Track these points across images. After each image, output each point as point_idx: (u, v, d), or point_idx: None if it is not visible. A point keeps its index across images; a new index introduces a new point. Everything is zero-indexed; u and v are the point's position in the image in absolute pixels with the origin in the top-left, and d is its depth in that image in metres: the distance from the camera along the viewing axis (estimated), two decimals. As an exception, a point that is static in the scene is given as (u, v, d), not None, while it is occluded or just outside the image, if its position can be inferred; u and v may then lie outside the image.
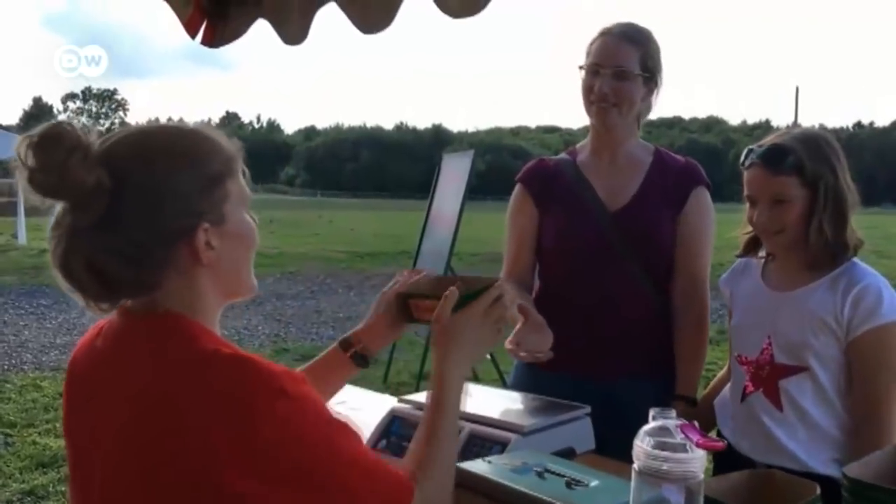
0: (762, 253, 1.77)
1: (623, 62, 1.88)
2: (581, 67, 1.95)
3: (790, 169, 1.58)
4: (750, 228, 1.73)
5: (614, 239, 1.90)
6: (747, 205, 1.68)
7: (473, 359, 1.23)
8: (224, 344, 0.98)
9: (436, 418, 1.14)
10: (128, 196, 0.96)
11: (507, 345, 1.74)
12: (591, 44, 1.94)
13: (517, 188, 2.09)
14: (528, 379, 1.95)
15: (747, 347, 1.73)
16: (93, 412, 1.02)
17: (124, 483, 0.95)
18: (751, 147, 1.67)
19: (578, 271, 1.91)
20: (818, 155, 1.59)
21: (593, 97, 1.91)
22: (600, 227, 1.91)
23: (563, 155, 2.11)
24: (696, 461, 0.94)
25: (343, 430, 0.98)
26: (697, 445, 0.93)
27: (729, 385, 1.82)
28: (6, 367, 6.09)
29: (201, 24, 2.46)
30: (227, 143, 1.07)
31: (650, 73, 1.92)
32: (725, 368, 1.94)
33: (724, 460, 1.69)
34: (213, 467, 0.89)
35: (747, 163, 1.65)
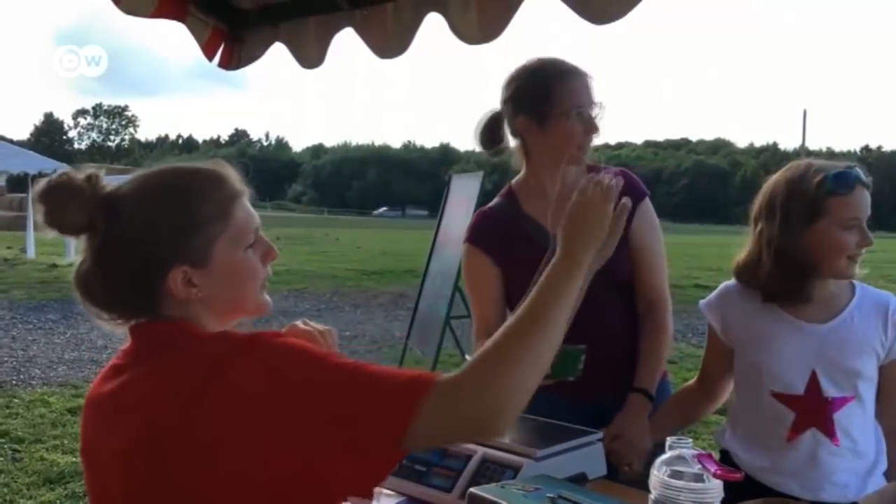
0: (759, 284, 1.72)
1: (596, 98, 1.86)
2: (570, 114, 1.82)
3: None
4: (753, 253, 1.70)
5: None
6: (839, 230, 1.59)
7: (598, 240, 1.23)
8: None
9: (534, 305, 1.07)
10: (115, 236, 1.07)
11: None
12: (562, 84, 1.84)
13: (469, 249, 2.01)
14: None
15: (787, 384, 1.66)
16: (106, 425, 1.08)
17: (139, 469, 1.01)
18: (841, 170, 1.59)
19: None
20: None
21: (577, 150, 1.85)
22: None
23: (498, 199, 2.04)
24: (713, 491, 0.94)
25: (331, 355, 1.03)
26: (715, 476, 0.93)
27: (754, 427, 1.73)
28: (14, 382, 6.09)
29: (219, 47, 2.50)
30: (229, 182, 1.13)
31: None
32: (694, 382, 1.93)
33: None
34: (210, 420, 0.96)
35: (851, 184, 1.58)
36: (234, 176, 1.14)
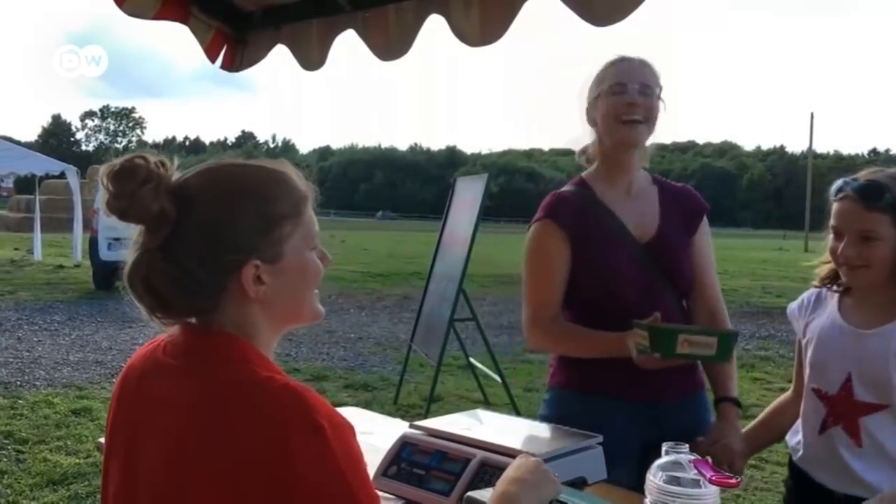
0: (835, 287, 1.77)
1: (649, 81, 1.91)
2: (606, 91, 1.90)
3: (885, 207, 1.59)
4: (828, 258, 1.72)
5: (651, 271, 1.92)
6: (831, 235, 1.68)
7: (542, 498, 1.20)
8: (277, 371, 1.03)
9: None
10: (188, 227, 1.03)
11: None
12: (608, 68, 1.93)
13: (545, 224, 1.96)
14: (575, 406, 1.96)
15: (825, 382, 1.72)
16: (144, 419, 1.06)
17: (169, 490, 0.99)
18: (845, 179, 1.66)
19: (628, 306, 1.87)
20: None
21: (625, 116, 1.87)
22: (636, 261, 1.92)
23: (571, 186, 2.03)
24: (709, 497, 0.94)
25: (372, 498, 0.97)
26: (710, 482, 0.93)
27: (801, 416, 1.81)
28: (19, 383, 6.11)
29: (221, 49, 2.51)
30: (298, 184, 1.12)
31: (660, 100, 1.94)
32: (789, 394, 1.94)
33: (801, 490, 1.77)
34: (243, 488, 0.92)
35: (840, 195, 1.65)
36: (300, 177, 1.14)
